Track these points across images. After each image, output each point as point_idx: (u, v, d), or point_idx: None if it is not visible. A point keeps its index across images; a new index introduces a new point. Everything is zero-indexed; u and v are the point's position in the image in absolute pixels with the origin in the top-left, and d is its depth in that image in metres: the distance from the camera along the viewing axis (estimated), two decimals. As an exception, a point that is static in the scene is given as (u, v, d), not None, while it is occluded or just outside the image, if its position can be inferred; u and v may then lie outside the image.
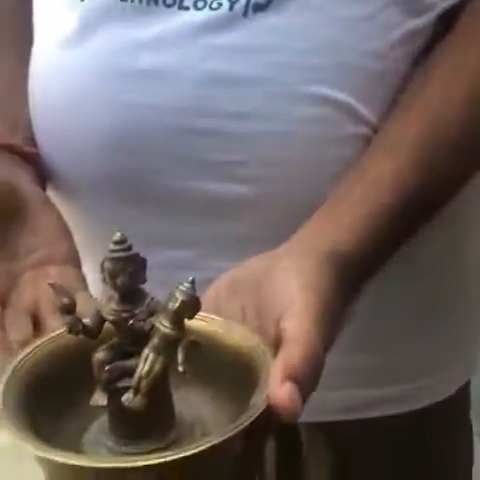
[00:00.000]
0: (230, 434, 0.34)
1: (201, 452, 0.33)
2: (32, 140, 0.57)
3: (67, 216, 0.54)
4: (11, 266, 0.48)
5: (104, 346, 0.38)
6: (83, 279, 0.48)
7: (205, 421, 0.40)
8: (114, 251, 0.36)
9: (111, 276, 0.36)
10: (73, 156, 0.55)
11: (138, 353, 0.37)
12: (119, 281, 0.36)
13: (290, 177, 0.52)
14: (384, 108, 0.52)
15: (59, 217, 0.51)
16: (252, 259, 0.46)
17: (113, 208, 0.55)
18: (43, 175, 0.56)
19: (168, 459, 0.32)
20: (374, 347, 0.59)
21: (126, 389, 0.36)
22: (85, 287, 0.48)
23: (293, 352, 0.37)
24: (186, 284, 0.36)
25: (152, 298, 0.38)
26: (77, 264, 0.50)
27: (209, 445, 0.33)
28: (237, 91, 0.50)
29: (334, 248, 0.44)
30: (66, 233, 0.51)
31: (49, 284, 0.37)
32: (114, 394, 0.37)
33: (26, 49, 0.59)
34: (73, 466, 0.33)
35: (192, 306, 0.36)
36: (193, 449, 0.33)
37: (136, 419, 0.37)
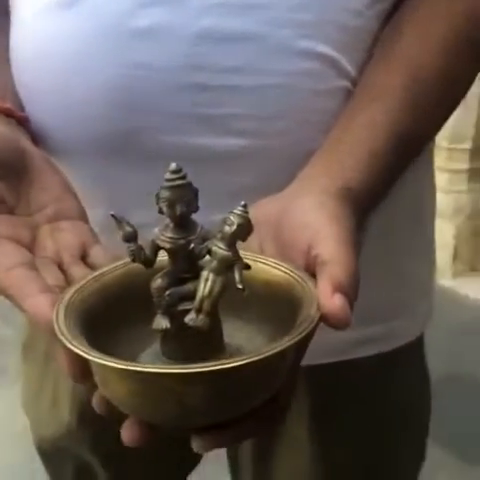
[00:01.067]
0: (297, 338, 0.37)
1: (275, 354, 0.36)
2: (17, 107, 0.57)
3: None
4: (28, 220, 0.48)
5: (159, 274, 0.40)
6: (94, 233, 0.50)
7: (247, 347, 0.43)
8: (171, 180, 0.38)
9: (170, 204, 0.38)
10: (66, 118, 0.55)
11: (192, 279, 0.39)
12: (178, 209, 0.38)
13: (283, 129, 0.55)
14: (361, 62, 0.57)
15: (62, 175, 0.52)
16: (262, 201, 0.49)
17: (109, 168, 0.56)
18: (34, 139, 0.56)
19: (248, 360, 0.35)
20: None
21: (186, 312, 0.39)
22: (98, 240, 0.49)
23: (336, 270, 0.41)
24: (240, 208, 0.39)
25: (202, 226, 0.40)
26: (86, 220, 0.51)
27: (287, 345, 0.36)
28: (230, 47, 0.53)
29: (345, 185, 0.48)
30: (71, 190, 0.52)
31: (111, 215, 0.38)
32: (175, 317, 0.39)
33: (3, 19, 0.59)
34: (145, 373, 0.35)
35: (247, 228, 0.39)
36: (270, 351, 0.36)
37: (194, 340, 0.39)
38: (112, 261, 0.45)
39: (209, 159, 0.56)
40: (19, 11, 0.58)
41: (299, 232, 0.44)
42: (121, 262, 0.44)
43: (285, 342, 0.37)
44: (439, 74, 0.54)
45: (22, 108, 0.58)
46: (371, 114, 0.52)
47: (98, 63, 0.53)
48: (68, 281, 0.44)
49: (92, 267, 0.46)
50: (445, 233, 2.49)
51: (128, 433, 0.39)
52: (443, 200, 2.40)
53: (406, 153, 0.53)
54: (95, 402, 0.41)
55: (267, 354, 0.36)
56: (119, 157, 0.56)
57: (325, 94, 0.56)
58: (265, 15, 0.53)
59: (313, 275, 0.42)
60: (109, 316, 0.42)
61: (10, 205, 0.48)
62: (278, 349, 0.36)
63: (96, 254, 0.47)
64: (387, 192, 0.52)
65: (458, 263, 2.62)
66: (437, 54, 0.54)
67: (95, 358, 0.36)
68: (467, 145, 2.43)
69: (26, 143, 0.52)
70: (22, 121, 0.56)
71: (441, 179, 2.37)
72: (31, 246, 0.46)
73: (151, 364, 0.39)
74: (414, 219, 0.67)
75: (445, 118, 0.56)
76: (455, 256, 2.60)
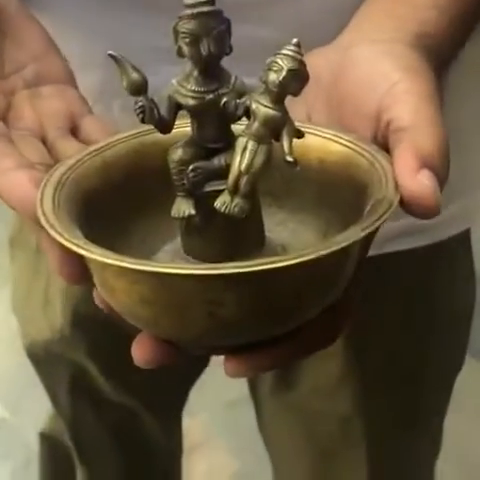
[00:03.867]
0: (371, 228, 0.26)
1: (339, 251, 0.25)
2: None
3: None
4: (1, 84, 0.38)
5: (180, 143, 0.29)
6: (86, 101, 0.39)
7: (293, 245, 0.33)
8: (194, 6, 0.27)
9: (193, 40, 0.27)
10: None
11: (224, 149, 0.29)
12: (203, 47, 0.27)
13: None
14: None
15: (43, 28, 0.41)
16: (310, 54, 0.37)
17: (104, 18, 0.45)
18: None
19: (305, 259, 0.25)
20: None
21: (216, 194, 0.28)
22: (90, 110, 0.38)
23: (421, 137, 0.30)
24: (290, 47, 0.28)
25: (236, 77, 0.29)
26: (74, 84, 0.40)
27: (357, 238, 0.26)
28: None
29: (419, 29, 0.37)
30: (55, 48, 0.41)
31: (109, 54, 0.28)
32: (201, 201, 0.29)
33: None
34: (164, 274, 0.25)
35: (301, 76, 0.28)
36: (332, 246, 0.25)
37: (227, 232, 0.29)
38: (111, 135, 0.34)
39: (234, 6, 0.44)
40: None
41: (364, 89, 0.33)
42: (125, 134, 0.33)
43: (353, 234, 0.26)
44: None
45: None
46: None
47: None
48: (55, 159, 0.34)
49: (85, 143, 0.35)
50: None
51: (140, 351, 0.30)
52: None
53: None
54: (97, 300, 0.31)
55: (329, 250, 0.25)
56: (114, 3, 0.45)
57: None
58: None
59: (384, 148, 0.31)
60: (113, 203, 0.32)
61: None
62: (344, 244, 0.26)
63: (90, 127, 0.36)
64: (467, 38, 0.40)
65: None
66: None
67: (94, 255, 0.25)
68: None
69: None
70: None
71: None
72: (5, 115, 0.36)
73: (171, 263, 0.29)
74: None
75: None
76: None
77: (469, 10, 0.39)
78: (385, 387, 0.62)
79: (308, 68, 0.34)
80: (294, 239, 0.33)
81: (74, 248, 0.26)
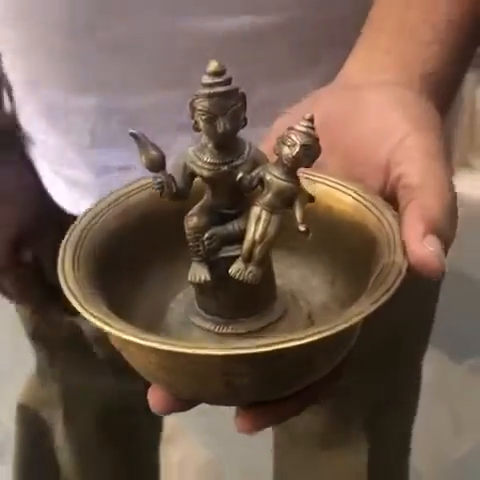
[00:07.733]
0: (380, 302, 0.28)
1: (346, 329, 0.27)
2: None
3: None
4: None
5: (195, 209, 0.30)
6: None
7: (301, 291, 0.34)
8: (211, 85, 0.28)
9: (208, 119, 0.28)
10: None
11: (236, 215, 0.30)
12: (219, 125, 0.28)
13: None
14: None
15: None
16: (312, 97, 0.37)
17: (95, 48, 0.46)
18: None
19: (314, 338, 0.26)
20: None
21: (230, 259, 0.30)
22: None
23: (429, 200, 0.30)
24: (303, 123, 0.29)
25: (251, 145, 0.30)
26: None
27: (365, 314, 0.27)
28: None
29: (424, 68, 0.37)
30: None
31: (130, 134, 0.28)
32: (215, 266, 0.30)
33: None
34: (183, 354, 0.26)
35: (313, 151, 0.29)
36: (349, 320, 0.27)
37: (240, 295, 0.31)
38: (126, 186, 0.35)
39: (208, 44, 0.43)
40: None
41: (373, 140, 0.33)
42: (140, 183, 0.34)
43: (364, 308, 0.27)
44: None
45: None
46: None
47: None
48: None
49: None
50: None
51: (155, 400, 0.30)
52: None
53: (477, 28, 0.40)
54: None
55: (342, 327, 0.27)
56: (100, 44, 0.45)
57: None
58: None
59: (390, 199, 0.32)
60: (129, 252, 0.33)
61: None
62: (356, 319, 0.27)
63: None
64: (465, 71, 0.40)
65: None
66: None
67: (115, 330, 0.27)
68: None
69: None
70: None
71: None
72: None
73: (190, 343, 0.30)
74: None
75: None
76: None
77: (465, 37, 0.39)
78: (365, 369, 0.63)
79: (317, 106, 0.34)
80: (302, 285, 0.35)
81: (98, 323, 0.27)
